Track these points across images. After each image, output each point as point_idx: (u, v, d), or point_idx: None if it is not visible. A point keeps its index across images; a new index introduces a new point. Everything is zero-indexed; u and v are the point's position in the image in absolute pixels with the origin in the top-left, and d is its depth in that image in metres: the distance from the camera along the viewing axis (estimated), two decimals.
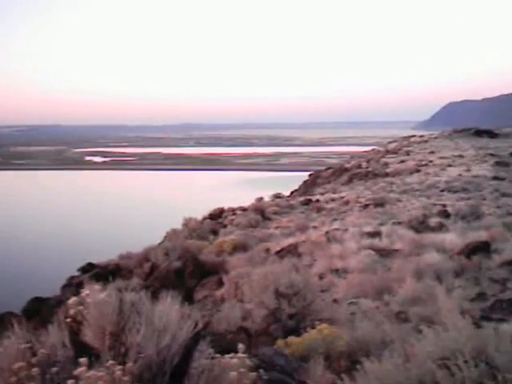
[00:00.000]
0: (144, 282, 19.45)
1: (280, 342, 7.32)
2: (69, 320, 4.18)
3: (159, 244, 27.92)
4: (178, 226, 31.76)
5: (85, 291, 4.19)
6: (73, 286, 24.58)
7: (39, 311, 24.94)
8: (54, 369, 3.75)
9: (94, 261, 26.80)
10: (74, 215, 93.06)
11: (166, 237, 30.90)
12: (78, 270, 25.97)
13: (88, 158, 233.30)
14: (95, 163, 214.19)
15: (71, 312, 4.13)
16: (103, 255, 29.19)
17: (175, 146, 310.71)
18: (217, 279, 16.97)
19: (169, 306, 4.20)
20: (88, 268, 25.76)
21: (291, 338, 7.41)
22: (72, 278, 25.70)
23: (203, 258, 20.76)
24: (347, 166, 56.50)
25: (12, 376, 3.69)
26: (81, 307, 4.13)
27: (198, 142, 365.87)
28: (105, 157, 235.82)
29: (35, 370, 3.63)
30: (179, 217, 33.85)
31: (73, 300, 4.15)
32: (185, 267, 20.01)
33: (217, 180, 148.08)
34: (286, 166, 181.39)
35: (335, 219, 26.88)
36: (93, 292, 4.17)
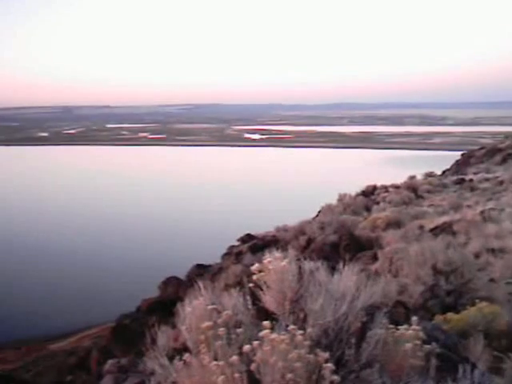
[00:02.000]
0: (301, 254, 19.85)
1: (438, 318, 7.24)
2: (251, 285, 4.39)
3: (314, 218, 28.23)
4: (331, 201, 31.93)
5: (267, 258, 4.37)
6: (232, 254, 25.55)
7: (202, 276, 26.21)
8: (239, 330, 3.97)
9: (253, 232, 27.62)
10: (232, 189, 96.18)
11: (320, 211, 31.19)
12: (238, 240, 26.86)
13: (247, 136, 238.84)
14: (253, 140, 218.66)
15: (254, 277, 4.33)
16: (260, 227, 30.03)
17: (329, 125, 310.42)
18: (371, 254, 16.94)
19: (345, 276, 4.31)
20: (247, 239, 26.60)
21: (450, 314, 7.30)
22: (232, 247, 26.70)
23: (358, 232, 20.80)
24: (501, 146, 53.71)
25: (200, 334, 3.95)
26: (262, 273, 4.32)
27: (352, 121, 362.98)
28: (262, 134, 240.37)
29: (222, 330, 3.85)
30: (332, 192, 34.02)
31: (255, 266, 4.35)
32: (340, 241, 20.14)
33: (369, 157, 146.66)
34: (438, 145, 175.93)
35: (490, 199, 25.81)
36: (274, 259, 4.35)
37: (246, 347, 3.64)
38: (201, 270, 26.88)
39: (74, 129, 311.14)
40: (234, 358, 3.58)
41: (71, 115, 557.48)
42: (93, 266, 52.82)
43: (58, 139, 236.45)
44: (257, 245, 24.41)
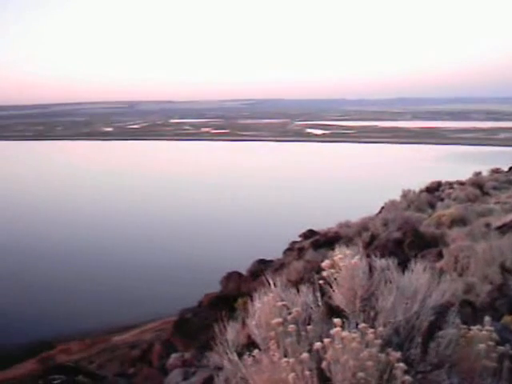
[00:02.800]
0: (364, 251, 19.70)
1: (507, 318, 7.05)
2: (321, 281, 4.36)
3: (377, 214, 27.96)
4: (394, 197, 31.57)
5: (337, 255, 4.33)
6: (294, 250, 25.53)
7: (263, 272, 26.30)
8: (309, 327, 3.94)
9: (315, 228, 27.53)
10: (294, 184, 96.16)
11: (383, 207, 30.90)
12: (300, 235, 26.81)
13: (309, 131, 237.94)
14: (316, 135, 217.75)
15: (324, 274, 4.30)
16: (321, 223, 29.89)
17: (392, 120, 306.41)
18: (436, 251, 16.69)
19: (417, 274, 4.23)
20: (309, 234, 26.53)
21: None
22: (294, 243, 26.68)
23: (422, 229, 20.50)
24: None
25: (270, 331, 3.94)
26: (332, 270, 4.28)
27: (416, 116, 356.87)
28: (325, 129, 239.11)
29: (292, 327, 3.83)
30: (395, 189, 33.61)
31: (325, 263, 4.31)
32: (404, 238, 19.89)
33: (433, 153, 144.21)
34: (505, 141, 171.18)
35: None
36: (345, 256, 4.30)
37: (317, 344, 3.61)
38: (262, 266, 26.95)
39: (138, 124, 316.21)
40: (305, 355, 3.56)
41: (135, 110, 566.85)
42: (156, 260, 53.61)
43: (123, 134, 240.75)
44: (319, 241, 24.31)
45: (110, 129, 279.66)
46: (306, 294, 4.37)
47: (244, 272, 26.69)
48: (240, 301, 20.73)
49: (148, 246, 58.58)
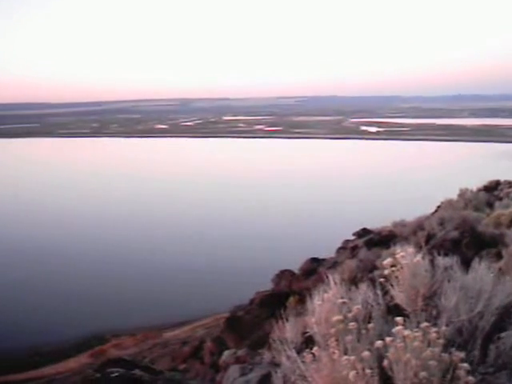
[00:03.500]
0: (420, 250, 19.41)
1: None
2: (382, 280, 4.29)
3: (433, 213, 27.47)
4: (451, 196, 31.05)
5: (399, 253, 4.25)
6: (347, 249, 25.27)
7: (315, 270, 26.14)
8: (370, 325, 3.87)
9: (368, 226, 27.20)
10: (347, 182, 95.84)
11: (439, 206, 30.36)
12: (353, 234, 26.52)
13: (363, 128, 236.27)
14: (370, 133, 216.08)
15: (385, 272, 4.22)
16: (376, 221, 29.58)
17: (449, 117, 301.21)
18: (495, 252, 16.30)
19: (482, 273, 4.12)
20: (362, 233, 26.19)
21: None
22: (347, 241, 26.38)
23: (480, 229, 20.05)
24: None
25: (330, 328, 3.89)
26: (393, 268, 4.20)
27: (473, 113, 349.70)
28: (380, 127, 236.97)
29: (352, 324, 3.77)
30: (452, 187, 33.05)
31: (387, 261, 4.23)
32: (462, 238, 19.49)
33: (491, 151, 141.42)
34: None
35: None
36: (407, 254, 4.21)
37: (378, 343, 3.55)
38: (314, 264, 26.80)
39: (191, 121, 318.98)
40: (366, 353, 3.49)
41: (189, 108, 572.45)
42: (209, 258, 54.18)
43: (177, 131, 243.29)
44: (373, 240, 23.98)
45: (164, 126, 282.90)
46: (366, 292, 4.30)
47: (296, 270, 26.60)
48: (292, 299, 20.65)
49: (207, 243, 59.34)
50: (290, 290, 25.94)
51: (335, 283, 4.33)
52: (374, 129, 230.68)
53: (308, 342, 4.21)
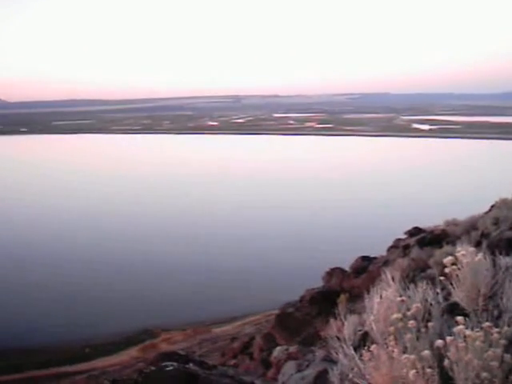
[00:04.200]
0: (475, 249, 19.10)
1: None
2: (442, 278, 4.22)
3: (487, 213, 26.94)
4: (506, 195, 30.44)
5: (459, 251, 4.17)
6: (399, 247, 25.00)
7: (366, 268, 25.96)
8: (430, 323, 3.81)
9: (420, 225, 26.85)
10: (399, 180, 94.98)
11: (493, 206, 29.77)
12: (405, 233, 26.23)
13: (415, 126, 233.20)
14: (422, 131, 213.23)
15: (445, 270, 4.15)
16: (428, 220, 29.17)
17: (502, 115, 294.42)
18: None
19: None
20: (414, 232, 25.88)
21: None
22: (399, 240, 26.12)
23: None
24: None
25: (388, 326, 3.85)
26: (454, 267, 4.13)
27: None
28: (432, 125, 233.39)
29: (412, 323, 3.72)
30: (506, 186, 32.41)
31: (447, 259, 4.16)
32: None
33: None
34: None
35: None
36: (467, 253, 4.14)
37: (439, 342, 3.49)
38: (365, 262, 26.65)
39: (242, 118, 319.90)
40: (426, 352, 3.45)
41: (241, 105, 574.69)
42: (258, 254, 54.34)
43: (227, 128, 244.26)
44: (425, 238, 23.67)
45: (214, 123, 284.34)
46: (425, 290, 4.23)
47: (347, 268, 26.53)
48: (342, 297, 20.52)
49: (259, 240, 59.62)
50: (341, 287, 25.84)
51: (393, 281, 4.28)
52: (425, 126, 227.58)
53: (365, 339, 4.19)
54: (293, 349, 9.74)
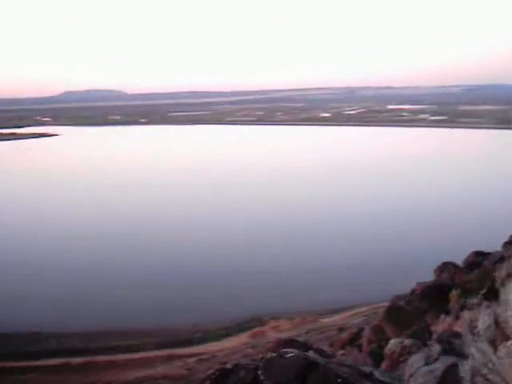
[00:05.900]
0: None
1: None
2: None
3: None
4: None
5: None
6: None
7: (479, 264, 25.09)
8: None
9: None
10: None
11: None
12: None
13: None
14: None
15: None
16: None
17: None
18: None
19: None
20: None
21: None
22: None
23: None
24: None
25: None
26: None
27: None
28: None
29: None
30: None
31: None
32: None
33: None
34: None
35: None
36: None
37: None
38: (479, 258, 25.69)
39: (354, 110, 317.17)
40: None
41: (354, 96, 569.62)
42: (364, 250, 53.86)
43: (339, 120, 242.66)
44: None
45: (327, 114, 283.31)
46: None
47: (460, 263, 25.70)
48: (454, 292, 19.93)
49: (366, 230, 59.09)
50: (453, 282, 25.07)
51: None
52: None
53: (502, 335, 4.01)
54: (407, 342, 9.57)
